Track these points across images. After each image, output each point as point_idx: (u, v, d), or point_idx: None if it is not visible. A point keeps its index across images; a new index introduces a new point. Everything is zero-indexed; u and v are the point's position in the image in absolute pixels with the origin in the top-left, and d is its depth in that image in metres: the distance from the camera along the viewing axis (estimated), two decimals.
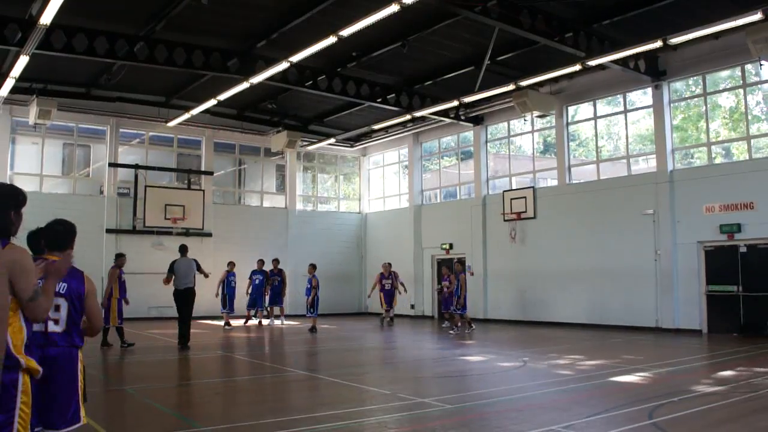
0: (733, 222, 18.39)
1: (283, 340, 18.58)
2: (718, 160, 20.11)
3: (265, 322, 23.27)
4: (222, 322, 22.07)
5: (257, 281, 22.85)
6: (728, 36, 17.75)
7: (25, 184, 24.27)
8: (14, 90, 20.85)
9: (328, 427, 7.66)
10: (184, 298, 16.00)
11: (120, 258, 16.67)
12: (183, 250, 16.80)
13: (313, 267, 21.37)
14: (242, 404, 9.66)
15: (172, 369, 13.36)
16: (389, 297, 23.42)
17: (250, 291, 22.92)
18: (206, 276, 17.76)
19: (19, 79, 19.60)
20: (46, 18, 14.51)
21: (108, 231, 25.07)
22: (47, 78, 22.50)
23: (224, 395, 10.45)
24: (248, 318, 23.16)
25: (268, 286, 22.95)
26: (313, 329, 20.35)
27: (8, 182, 23.02)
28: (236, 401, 9.92)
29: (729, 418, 8.01)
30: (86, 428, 7.23)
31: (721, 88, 20.47)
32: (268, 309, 23.49)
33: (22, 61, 17.53)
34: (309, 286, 21.10)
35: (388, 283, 23.39)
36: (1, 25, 16.41)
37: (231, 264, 22.76)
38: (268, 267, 23.27)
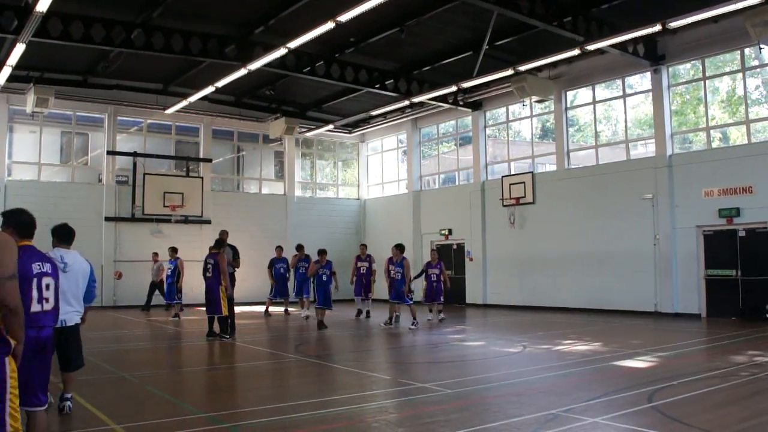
0: (732, 206, 18.40)
1: (284, 327, 18.55)
2: (717, 145, 20.09)
3: (291, 310, 21.75)
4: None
5: (281, 269, 21.45)
6: (727, 19, 17.67)
7: (24, 173, 24.37)
8: (11, 78, 20.81)
9: (329, 412, 7.68)
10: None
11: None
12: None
13: (325, 252, 18.05)
14: (243, 390, 9.70)
15: (173, 356, 13.39)
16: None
17: (274, 280, 21.43)
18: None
19: (16, 68, 19.51)
20: (42, 5, 14.44)
21: (107, 219, 25.11)
22: (44, 66, 22.43)
23: (226, 382, 10.49)
24: (286, 308, 21.60)
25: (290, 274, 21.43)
26: (322, 324, 17.20)
27: (7, 171, 23.24)
28: (237, 387, 9.96)
29: (728, 401, 8.04)
30: (88, 415, 7.31)
31: (720, 72, 20.41)
32: (303, 299, 20.88)
33: (19, 49, 17.46)
34: (329, 272, 17.73)
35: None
36: None
37: (172, 250, 21.32)
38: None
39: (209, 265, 15.10)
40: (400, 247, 18.33)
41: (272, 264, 21.68)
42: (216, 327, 15.12)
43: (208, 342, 14.59)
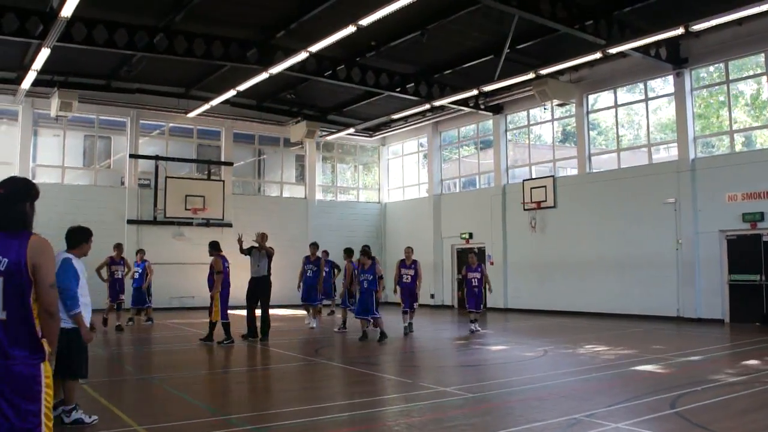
0: (756, 210, 18.19)
1: (305, 331, 18.53)
2: (741, 148, 19.91)
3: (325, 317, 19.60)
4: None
5: (324, 273, 19.14)
6: (752, 22, 17.55)
7: (48, 176, 24.62)
8: (36, 83, 21.09)
9: (351, 414, 7.70)
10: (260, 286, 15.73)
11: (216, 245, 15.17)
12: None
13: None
14: (265, 393, 9.74)
15: (193, 358, 13.44)
16: (409, 293, 17.02)
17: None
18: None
19: (41, 72, 19.82)
20: (67, 10, 14.59)
21: (129, 222, 25.29)
22: (68, 70, 22.65)
23: (248, 384, 10.53)
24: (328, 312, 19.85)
25: (336, 276, 19.59)
26: (383, 336, 15.45)
27: (31, 174, 23.50)
28: (259, 390, 10.00)
29: (752, 407, 7.96)
30: (111, 416, 7.35)
31: (744, 75, 20.22)
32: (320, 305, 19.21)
33: (44, 53, 17.67)
34: (371, 277, 15.78)
35: (408, 275, 17.03)
36: (23, 18, 16.56)
37: (140, 252, 19.99)
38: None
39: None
40: (366, 251, 16.39)
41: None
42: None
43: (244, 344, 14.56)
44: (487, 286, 17.88)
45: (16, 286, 3.74)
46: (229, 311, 14.77)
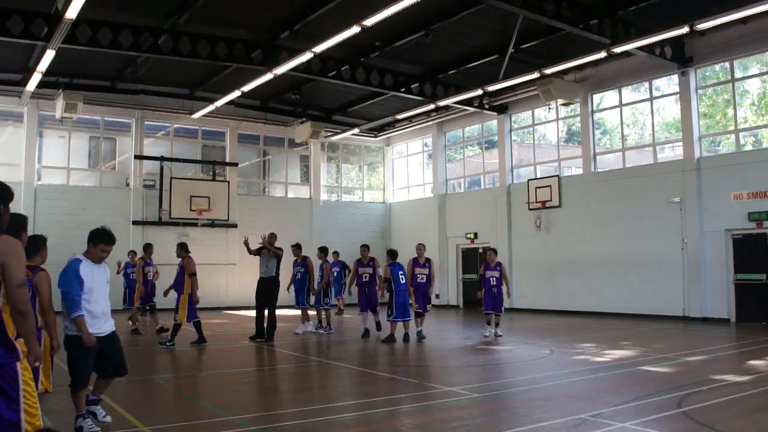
0: (762, 209, 18.16)
1: (311, 333, 18.50)
2: (746, 147, 19.86)
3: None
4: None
5: (334, 273, 18.48)
6: (757, 20, 17.48)
7: (53, 178, 24.70)
8: (41, 84, 21.12)
9: (355, 415, 7.69)
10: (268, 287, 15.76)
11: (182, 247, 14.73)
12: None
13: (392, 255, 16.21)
14: (269, 393, 9.74)
15: (199, 359, 13.45)
16: (423, 295, 15.86)
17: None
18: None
19: (46, 74, 19.84)
20: (72, 12, 14.62)
21: (134, 223, 25.35)
22: (73, 72, 22.68)
23: (252, 385, 10.52)
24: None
25: (346, 277, 18.57)
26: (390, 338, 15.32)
27: (36, 176, 23.57)
28: (263, 391, 10.00)
29: (759, 407, 7.93)
30: (118, 417, 7.35)
31: (749, 74, 20.17)
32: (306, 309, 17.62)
33: (49, 55, 17.71)
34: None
35: (423, 275, 15.83)
36: (27, 20, 16.60)
37: (132, 253, 19.50)
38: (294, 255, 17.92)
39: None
40: (390, 254, 16.19)
41: (331, 267, 18.53)
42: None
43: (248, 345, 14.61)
44: (506, 290, 16.59)
45: None
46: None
